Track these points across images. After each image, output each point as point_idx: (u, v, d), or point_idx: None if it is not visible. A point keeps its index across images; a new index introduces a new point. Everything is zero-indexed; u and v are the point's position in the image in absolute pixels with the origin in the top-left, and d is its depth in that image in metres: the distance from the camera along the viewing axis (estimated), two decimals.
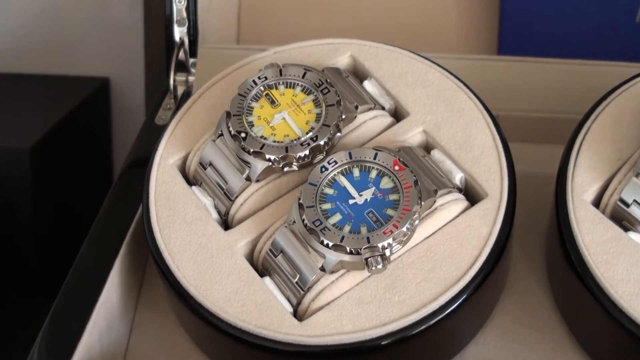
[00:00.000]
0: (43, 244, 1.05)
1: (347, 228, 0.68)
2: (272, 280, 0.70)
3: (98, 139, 1.18)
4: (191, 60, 0.94)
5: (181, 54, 0.94)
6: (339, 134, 0.73)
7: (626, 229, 0.70)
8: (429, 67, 0.79)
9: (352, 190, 0.70)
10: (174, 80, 0.92)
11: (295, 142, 0.72)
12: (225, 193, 0.74)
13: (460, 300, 0.69)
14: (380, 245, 0.67)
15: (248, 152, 0.72)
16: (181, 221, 0.73)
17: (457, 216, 0.72)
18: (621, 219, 0.71)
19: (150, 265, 0.81)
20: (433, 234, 0.71)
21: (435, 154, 0.75)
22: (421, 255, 0.70)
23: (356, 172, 0.71)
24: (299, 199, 0.70)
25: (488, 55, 0.94)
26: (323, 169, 0.71)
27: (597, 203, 0.72)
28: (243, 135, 0.72)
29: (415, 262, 0.70)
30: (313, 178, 0.70)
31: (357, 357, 0.68)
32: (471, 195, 0.74)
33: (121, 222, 0.79)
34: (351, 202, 0.69)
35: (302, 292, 0.69)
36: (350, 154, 0.71)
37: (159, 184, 0.75)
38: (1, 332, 1.02)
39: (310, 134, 0.72)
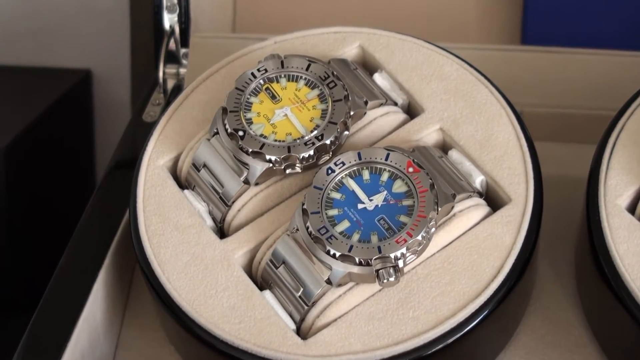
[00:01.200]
0: (19, 253, 1.05)
1: (355, 236, 0.68)
2: (273, 294, 0.71)
3: (79, 138, 1.18)
4: (182, 50, 0.94)
5: (171, 44, 0.94)
6: (346, 133, 0.74)
7: None
8: (447, 58, 0.79)
9: (362, 195, 0.70)
10: (164, 73, 0.92)
11: (298, 141, 0.72)
12: (221, 197, 0.74)
13: (481, 317, 0.69)
14: (392, 255, 0.67)
15: (246, 153, 0.72)
16: (172, 229, 0.73)
17: (478, 223, 0.72)
18: None
19: (138, 278, 0.82)
20: (451, 243, 0.71)
21: (453, 154, 0.75)
22: (438, 267, 0.70)
23: (366, 175, 0.71)
24: (303, 205, 0.70)
25: (511, 45, 0.94)
26: (329, 171, 0.71)
27: (632, 209, 0.73)
28: (241, 133, 0.73)
29: (431, 274, 0.70)
30: (318, 181, 0.71)
31: None
32: (493, 200, 0.74)
33: (106, 230, 0.79)
34: (360, 207, 0.70)
35: (306, 307, 0.69)
36: (359, 154, 0.71)
37: (147, 187, 0.76)
38: None
39: (315, 132, 0.73)
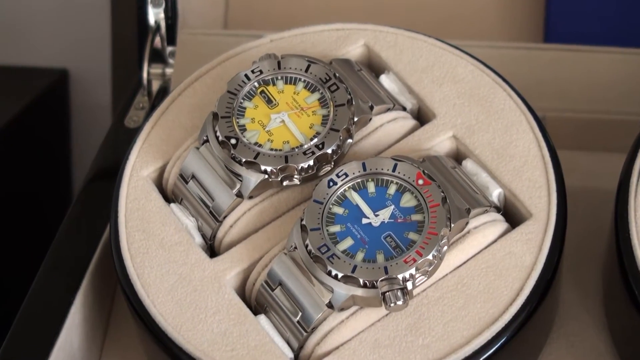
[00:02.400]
0: None
1: (360, 255, 0.69)
2: (269, 318, 0.71)
3: (55, 145, 1.18)
4: (169, 48, 0.95)
5: (157, 41, 0.94)
6: (350, 141, 0.74)
7: None
8: (460, 58, 0.79)
9: (367, 210, 0.71)
10: (148, 74, 0.93)
11: (296, 150, 0.73)
12: (211, 212, 0.74)
13: (499, 345, 0.69)
14: (400, 276, 0.68)
15: (239, 163, 0.73)
16: (157, 246, 0.74)
17: (495, 241, 0.72)
18: None
19: (119, 301, 0.82)
20: (465, 262, 0.72)
21: (468, 164, 0.75)
22: (451, 289, 0.71)
23: (371, 187, 0.72)
24: (302, 220, 0.70)
25: (532, 44, 0.94)
26: (331, 184, 0.71)
27: None
28: (233, 141, 0.73)
29: (444, 297, 0.71)
30: (318, 194, 0.71)
31: None
32: (512, 215, 0.74)
33: (83, 247, 0.80)
34: (365, 223, 0.70)
35: (305, 333, 0.70)
36: (364, 164, 0.72)
37: (130, 200, 0.76)
38: None
39: (315, 140, 0.73)
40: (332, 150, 0.73)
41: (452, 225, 0.69)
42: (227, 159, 0.73)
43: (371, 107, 0.75)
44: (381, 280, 0.67)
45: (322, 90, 0.75)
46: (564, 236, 0.73)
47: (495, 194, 0.74)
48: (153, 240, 0.74)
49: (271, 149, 0.73)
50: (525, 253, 0.71)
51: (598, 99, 0.89)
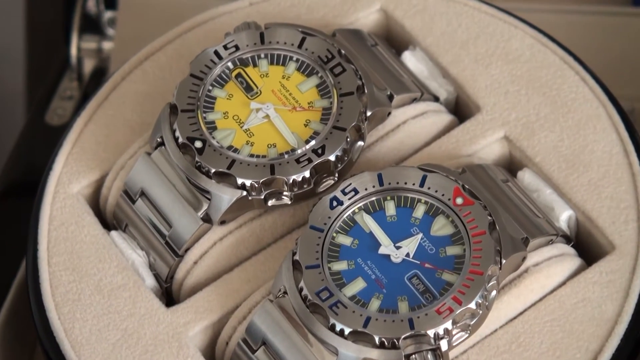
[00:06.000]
0: None
1: (375, 303, 0.69)
2: None
3: None
4: (107, 14, 0.95)
5: (90, 3, 0.94)
6: (360, 143, 0.75)
7: None
8: (515, 28, 0.80)
9: (384, 239, 0.71)
10: (78, 50, 0.93)
11: (286, 156, 0.73)
12: (167, 243, 0.75)
13: None
14: (431, 332, 0.68)
15: (207, 174, 0.73)
16: (93, 291, 0.74)
17: (563, 283, 0.73)
18: None
19: None
20: (522, 313, 0.72)
21: (526, 177, 0.76)
22: (502, 351, 0.71)
23: (391, 209, 0.72)
24: (294, 255, 0.71)
25: (617, 7, 0.95)
26: (334, 203, 0.72)
27: None
28: (198, 144, 0.74)
29: None
30: (317, 218, 0.72)
31: None
32: (587, 247, 0.75)
33: None
34: (382, 257, 0.71)
35: None
36: (380, 177, 0.72)
37: (55, 226, 0.77)
38: None
39: (313, 142, 0.74)
40: (336, 156, 0.73)
41: (504, 261, 0.70)
42: (190, 169, 0.74)
43: (390, 97, 0.76)
44: (405, 338, 0.68)
45: (321, 74, 0.76)
46: None
47: (564, 217, 0.75)
48: (87, 282, 0.75)
49: (251, 155, 0.74)
50: (605, 301, 0.72)
51: None
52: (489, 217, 0.70)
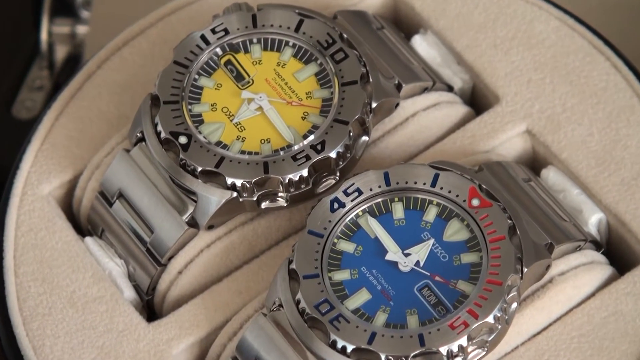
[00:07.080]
0: None
1: (381, 317, 0.69)
2: None
3: None
4: None
5: None
6: (365, 138, 0.75)
7: None
8: (539, 8, 0.80)
9: (392, 246, 0.71)
10: (49, 34, 0.93)
11: (282, 153, 0.74)
12: (149, 250, 0.75)
13: None
14: (444, 349, 0.68)
15: (193, 173, 0.74)
16: (65, 304, 0.74)
17: (593, 295, 0.73)
18: None
19: None
20: (546, 328, 0.72)
21: (551, 175, 0.76)
22: None
23: (399, 212, 0.72)
24: (290, 263, 0.71)
25: None
26: (336, 205, 0.72)
27: None
28: (183, 140, 0.74)
29: None
30: (316, 222, 0.72)
31: None
32: (619, 255, 0.75)
33: None
34: (389, 266, 0.71)
35: None
36: (386, 176, 0.73)
37: (22, 232, 0.77)
38: None
39: (311, 138, 0.74)
40: (338, 153, 0.73)
41: (525, 270, 0.70)
42: (174, 168, 0.74)
43: (398, 86, 0.76)
44: (414, 356, 0.68)
45: (321, 61, 0.76)
46: None
47: (594, 221, 0.75)
48: (59, 294, 0.75)
49: (242, 152, 0.74)
50: (639, 314, 0.72)
51: None
52: (509, 221, 0.70)
